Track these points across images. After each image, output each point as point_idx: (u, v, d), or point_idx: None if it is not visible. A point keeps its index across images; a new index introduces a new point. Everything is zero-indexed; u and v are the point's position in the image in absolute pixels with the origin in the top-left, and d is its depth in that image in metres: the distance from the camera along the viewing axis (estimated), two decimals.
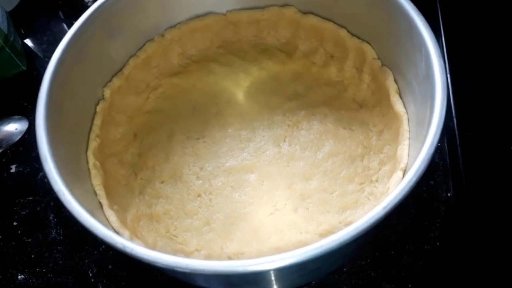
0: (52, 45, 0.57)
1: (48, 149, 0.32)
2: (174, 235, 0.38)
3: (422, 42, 0.34)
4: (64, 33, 0.57)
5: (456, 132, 0.42)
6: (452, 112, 0.43)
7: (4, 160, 0.48)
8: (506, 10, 0.42)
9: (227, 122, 0.45)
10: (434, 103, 0.31)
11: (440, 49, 0.33)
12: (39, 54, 0.57)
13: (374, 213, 0.27)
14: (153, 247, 0.37)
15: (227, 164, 0.42)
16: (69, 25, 0.59)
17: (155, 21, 0.45)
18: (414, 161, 0.32)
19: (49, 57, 0.55)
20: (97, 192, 0.37)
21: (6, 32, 0.50)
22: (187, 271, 0.26)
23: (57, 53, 0.36)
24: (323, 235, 0.37)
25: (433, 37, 0.33)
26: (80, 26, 0.38)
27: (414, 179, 0.28)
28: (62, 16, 0.60)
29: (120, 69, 0.44)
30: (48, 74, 0.35)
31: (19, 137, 0.48)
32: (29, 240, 0.42)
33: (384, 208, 0.27)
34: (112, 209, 0.37)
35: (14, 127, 0.48)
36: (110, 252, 0.41)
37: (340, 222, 0.37)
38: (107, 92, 0.42)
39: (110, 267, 0.40)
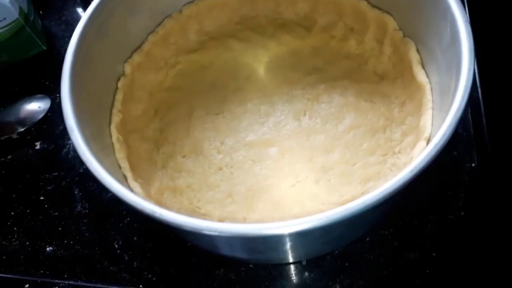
0: (71, 25, 0.58)
1: (75, 121, 0.32)
2: (197, 207, 0.39)
3: (447, 7, 0.33)
4: (81, 14, 0.58)
5: (481, 102, 0.41)
6: (476, 83, 0.42)
7: (29, 137, 0.49)
8: None
9: (246, 98, 0.45)
10: (460, 70, 0.30)
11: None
12: (58, 34, 0.57)
13: (401, 176, 0.27)
14: None
15: (247, 139, 0.42)
16: (86, 6, 0.59)
17: None
18: (439, 130, 0.32)
19: (68, 37, 0.55)
20: (122, 165, 0.38)
21: (26, 12, 0.51)
22: (215, 233, 0.26)
23: (79, 28, 0.37)
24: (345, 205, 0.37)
25: (459, 1, 0.33)
26: (100, 2, 0.38)
27: (442, 142, 0.27)
28: None
29: (140, 46, 0.44)
30: (71, 49, 0.36)
31: (42, 115, 0.49)
32: (56, 213, 0.43)
33: (411, 171, 0.27)
34: (137, 181, 0.37)
35: (37, 106, 0.49)
36: (135, 224, 0.41)
37: (362, 193, 0.37)
38: (127, 68, 0.42)
39: (135, 238, 0.41)
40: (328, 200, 0.37)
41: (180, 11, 0.46)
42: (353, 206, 0.26)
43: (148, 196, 0.37)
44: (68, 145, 0.47)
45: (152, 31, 0.45)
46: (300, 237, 0.30)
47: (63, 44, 0.56)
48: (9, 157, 0.48)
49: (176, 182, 0.40)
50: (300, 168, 0.40)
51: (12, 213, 0.44)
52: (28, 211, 0.44)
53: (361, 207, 0.26)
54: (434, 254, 0.36)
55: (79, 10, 0.59)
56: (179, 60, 0.47)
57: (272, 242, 0.31)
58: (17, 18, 0.49)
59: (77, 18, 0.58)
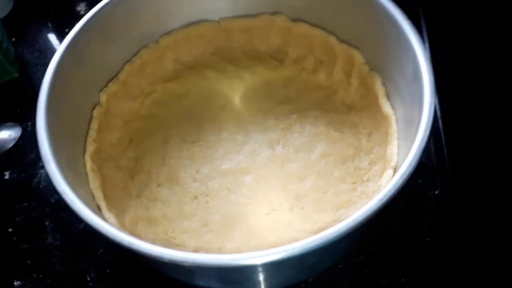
0: (44, 52, 0.57)
1: (50, 150, 0.32)
2: (172, 237, 0.39)
3: (408, 45, 0.36)
4: (55, 42, 0.58)
5: (442, 133, 0.44)
6: (437, 115, 0.45)
7: None
8: (487, 12, 0.45)
9: (222, 126, 0.46)
10: (422, 103, 0.33)
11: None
12: (31, 61, 0.56)
13: (371, 204, 0.28)
14: None
15: (223, 167, 0.43)
16: (60, 34, 0.59)
17: (150, 28, 0.46)
18: (404, 159, 0.34)
19: (41, 65, 0.56)
20: (96, 195, 0.37)
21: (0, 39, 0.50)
22: (193, 264, 0.26)
23: (56, 57, 0.37)
24: (318, 233, 0.38)
25: (420, 40, 0.35)
26: (78, 31, 0.39)
27: (408, 172, 0.29)
28: (53, 25, 0.61)
29: (116, 75, 0.44)
30: (47, 77, 0.36)
31: (12, 143, 0.48)
32: (25, 246, 0.42)
33: (380, 200, 0.28)
34: (111, 211, 0.37)
35: (8, 134, 0.48)
36: (109, 256, 0.41)
37: (334, 220, 0.39)
38: (103, 97, 0.43)
39: (108, 270, 0.40)
40: (302, 227, 0.38)
41: (157, 42, 0.47)
42: (326, 235, 0.27)
43: (122, 227, 0.37)
44: (39, 175, 0.46)
45: (129, 61, 0.45)
46: (275, 266, 0.31)
47: (36, 72, 0.55)
48: None
49: (151, 211, 0.40)
50: (275, 196, 0.41)
51: None
52: None
53: (334, 235, 0.27)
54: (402, 280, 0.38)
55: (53, 38, 0.59)
56: (155, 89, 0.47)
57: (247, 272, 0.31)
58: None
59: (51, 46, 0.58)
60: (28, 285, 0.40)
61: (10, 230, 0.43)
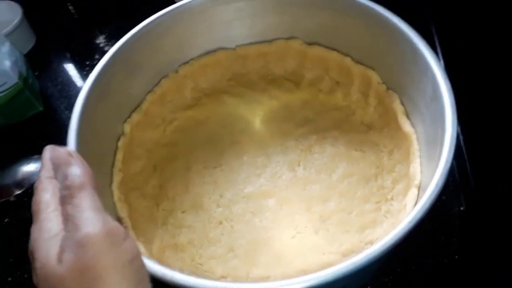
0: (67, 86, 0.59)
1: None
2: (199, 264, 0.39)
3: (427, 66, 0.36)
4: (76, 75, 0.60)
5: (464, 149, 0.43)
6: (457, 130, 0.45)
7: (26, 199, 0.48)
8: (499, 26, 0.45)
9: (242, 150, 0.46)
10: (444, 123, 0.33)
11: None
12: (54, 94, 0.59)
13: (401, 227, 0.28)
14: None
15: (245, 190, 0.43)
16: (82, 67, 0.61)
17: (170, 58, 0.47)
18: (428, 178, 0.34)
19: (64, 97, 0.58)
20: (124, 224, 0.38)
21: (25, 75, 0.52)
22: None
23: (82, 93, 0.38)
24: (346, 254, 0.38)
25: (437, 60, 0.36)
26: (103, 66, 0.40)
27: (435, 192, 0.29)
28: (74, 58, 0.63)
29: (138, 105, 0.46)
30: (76, 112, 0.37)
31: None
32: None
33: (410, 222, 0.28)
34: (138, 240, 0.38)
35: (35, 167, 0.49)
36: None
37: (360, 241, 0.39)
38: (127, 128, 0.44)
39: None
40: (328, 250, 0.38)
41: (176, 71, 0.48)
42: (359, 259, 0.27)
43: (150, 255, 0.37)
44: None
45: (150, 91, 0.47)
46: None
47: (59, 105, 0.57)
48: (6, 220, 0.48)
49: (177, 238, 0.41)
50: (299, 218, 0.41)
51: (9, 279, 0.43)
52: (25, 276, 0.43)
53: (366, 259, 0.27)
54: None
55: (74, 71, 0.61)
56: (175, 117, 0.49)
57: None
58: (17, 82, 0.51)
59: (72, 79, 0.60)
60: None
61: None
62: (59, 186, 0.27)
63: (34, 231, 0.26)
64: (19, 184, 0.48)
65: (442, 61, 0.50)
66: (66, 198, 0.25)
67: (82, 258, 0.23)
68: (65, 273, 0.23)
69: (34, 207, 0.27)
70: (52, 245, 0.24)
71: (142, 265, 0.25)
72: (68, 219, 0.25)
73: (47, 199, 0.27)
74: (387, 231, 0.38)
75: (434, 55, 0.36)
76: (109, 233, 0.24)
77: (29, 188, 0.48)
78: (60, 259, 0.24)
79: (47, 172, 0.30)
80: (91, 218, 0.24)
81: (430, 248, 0.40)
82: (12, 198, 0.48)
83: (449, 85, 0.35)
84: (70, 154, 0.28)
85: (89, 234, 0.23)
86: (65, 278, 0.23)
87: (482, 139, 0.45)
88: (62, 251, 0.24)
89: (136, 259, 0.25)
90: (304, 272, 0.37)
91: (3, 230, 0.47)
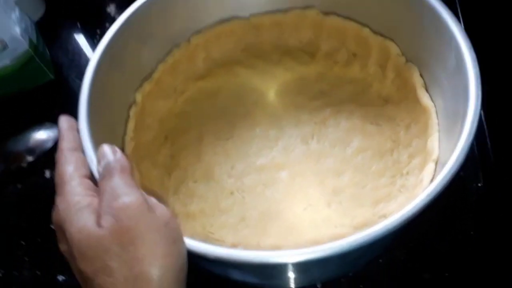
0: (77, 54, 0.59)
1: (93, 151, 0.33)
2: (210, 232, 0.39)
3: (450, 35, 0.35)
4: (87, 44, 0.59)
5: (484, 123, 0.42)
6: None
7: (38, 166, 0.49)
8: None
9: (255, 122, 0.46)
10: (468, 96, 0.32)
11: None
12: (65, 63, 0.58)
13: (419, 200, 0.27)
14: None
15: (257, 163, 0.43)
16: (92, 36, 0.60)
17: (183, 27, 0.46)
18: (446, 153, 0.33)
19: (75, 66, 0.57)
20: None
21: (35, 42, 0.52)
22: (240, 262, 0.26)
23: (93, 60, 0.38)
24: (358, 228, 0.38)
25: (462, 29, 0.34)
26: (114, 34, 0.39)
27: (456, 166, 0.28)
28: (84, 27, 0.62)
29: (150, 74, 0.45)
30: (87, 79, 0.36)
31: (51, 143, 0.49)
32: None
33: (429, 195, 0.27)
34: None
35: (46, 134, 0.49)
36: None
37: (374, 215, 0.38)
38: (138, 97, 0.43)
39: None
40: (341, 222, 0.38)
41: (188, 40, 0.47)
42: (375, 231, 0.26)
43: None
44: None
45: (162, 60, 0.46)
46: (316, 262, 0.31)
47: (70, 73, 0.57)
48: (19, 186, 0.48)
49: (188, 207, 0.41)
50: (311, 191, 0.41)
51: (23, 242, 0.44)
52: (39, 240, 0.44)
53: (382, 231, 0.26)
54: (446, 274, 0.37)
55: (84, 40, 0.60)
56: (187, 87, 0.48)
57: (287, 268, 0.31)
58: (27, 49, 0.50)
59: (83, 48, 0.59)
60: (72, 281, 0.40)
61: (52, 227, 0.44)
62: (101, 170, 0.29)
63: (61, 203, 0.28)
64: (31, 151, 0.49)
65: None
66: (105, 176, 0.28)
67: (121, 221, 0.25)
68: (105, 233, 0.25)
69: (57, 179, 0.29)
70: (86, 214, 0.26)
71: (177, 227, 0.27)
72: (105, 192, 0.27)
73: (70, 172, 0.29)
74: (401, 206, 0.37)
75: (458, 24, 0.35)
76: (145, 201, 0.26)
77: (41, 155, 0.49)
78: (99, 224, 0.26)
79: (68, 143, 0.32)
80: (128, 190, 0.26)
81: (445, 223, 0.39)
82: (24, 165, 0.49)
83: (474, 55, 0.33)
84: (115, 149, 0.30)
85: (127, 202, 0.25)
86: (105, 238, 0.25)
87: (505, 114, 0.43)
88: (100, 216, 0.26)
89: (170, 222, 0.27)
90: (316, 243, 0.37)
91: (16, 196, 0.47)
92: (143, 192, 0.27)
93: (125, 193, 0.26)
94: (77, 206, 0.27)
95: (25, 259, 0.43)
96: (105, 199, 0.26)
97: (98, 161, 0.30)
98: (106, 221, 0.25)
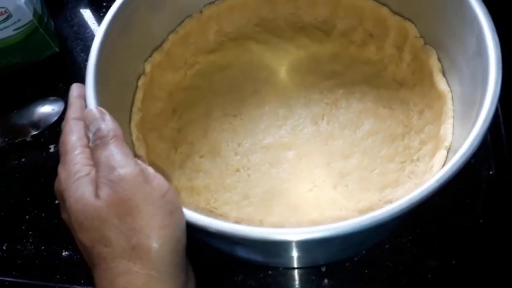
0: (83, 27, 0.57)
1: None
2: (214, 207, 0.39)
3: (473, 16, 0.33)
4: (92, 16, 0.58)
5: (499, 110, 0.41)
6: None
7: (42, 140, 0.48)
8: None
9: (264, 100, 0.45)
10: (487, 81, 0.30)
11: None
12: (70, 35, 0.57)
13: (427, 185, 0.27)
14: None
15: (264, 141, 0.42)
16: (98, 8, 0.59)
17: None
18: (459, 140, 0.32)
19: (80, 39, 0.56)
20: None
21: (40, 13, 0.50)
22: (239, 237, 0.26)
23: (103, 25, 0.37)
24: (363, 211, 0.37)
25: (486, 10, 0.33)
26: (124, 1, 0.38)
27: (468, 153, 0.27)
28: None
29: (160, 45, 0.44)
30: (95, 45, 0.36)
31: (56, 117, 0.48)
32: None
33: (437, 181, 0.27)
34: None
35: (51, 108, 0.49)
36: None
37: (380, 200, 0.37)
38: (148, 67, 0.42)
39: None
40: (345, 205, 0.38)
41: (201, 12, 0.46)
42: (379, 214, 0.26)
43: None
44: None
45: (173, 31, 0.45)
46: (318, 243, 0.30)
47: (75, 46, 0.55)
48: (22, 160, 0.48)
49: (193, 182, 0.40)
50: (318, 172, 0.40)
51: (27, 217, 0.44)
52: (43, 214, 0.44)
53: (387, 215, 0.26)
54: (453, 262, 0.36)
55: (90, 12, 0.59)
56: (197, 60, 0.47)
57: (290, 247, 0.31)
58: (31, 20, 0.49)
59: (88, 20, 0.58)
60: (76, 256, 0.41)
61: (56, 202, 0.44)
62: (91, 137, 0.29)
63: (62, 172, 0.29)
64: (35, 124, 0.48)
65: None
66: (98, 146, 0.28)
67: (119, 192, 0.25)
68: (102, 205, 0.25)
69: (61, 148, 0.29)
70: (84, 183, 0.27)
71: (174, 198, 0.27)
72: (100, 162, 0.27)
73: (73, 141, 0.29)
74: (408, 192, 0.36)
75: (482, 4, 0.33)
76: (142, 172, 0.26)
77: (45, 129, 0.48)
78: (97, 195, 0.26)
79: (74, 112, 0.32)
80: (124, 161, 0.26)
81: (453, 210, 0.38)
82: (28, 139, 0.48)
83: (496, 39, 0.32)
84: (102, 112, 0.30)
85: (124, 173, 0.26)
86: (102, 209, 0.25)
87: None
88: (97, 187, 0.26)
89: (167, 193, 0.27)
90: (319, 225, 0.36)
91: (20, 170, 0.47)
92: (140, 162, 0.27)
93: (120, 165, 0.26)
94: (77, 175, 0.27)
95: (29, 233, 0.43)
96: (101, 170, 0.26)
97: (87, 126, 0.29)
98: (103, 192, 0.25)
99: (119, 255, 0.24)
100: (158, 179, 0.27)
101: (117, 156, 0.27)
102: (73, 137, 0.30)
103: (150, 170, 0.27)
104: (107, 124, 0.29)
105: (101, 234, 0.25)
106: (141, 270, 0.24)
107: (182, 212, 0.27)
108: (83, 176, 0.27)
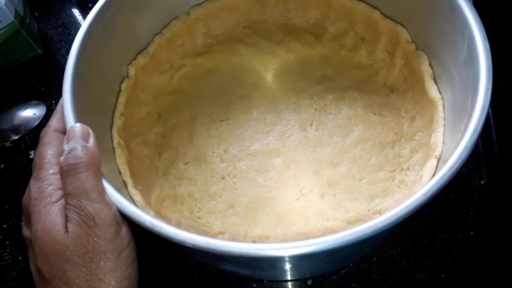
0: (67, 28, 0.56)
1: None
2: (198, 217, 0.38)
3: (465, 23, 0.32)
4: (78, 17, 0.57)
5: (491, 118, 0.40)
6: None
7: (23, 145, 0.47)
8: None
9: (252, 105, 0.44)
10: (477, 89, 0.29)
11: None
12: (55, 37, 0.55)
13: (414, 199, 0.25)
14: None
15: (251, 147, 0.41)
16: (84, 9, 0.57)
17: None
18: (449, 149, 0.31)
19: (65, 41, 0.55)
20: (122, 171, 0.37)
21: (22, 14, 0.49)
22: (216, 252, 0.25)
23: (84, 27, 0.35)
24: (351, 222, 0.36)
25: (478, 18, 0.32)
26: (107, 1, 0.37)
27: (457, 165, 0.26)
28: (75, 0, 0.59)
29: (145, 47, 0.43)
30: (74, 48, 0.34)
31: (37, 122, 0.47)
32: None
33: (425, 194, 0.25)
34: (137, 188, 0.36)
35: (32, 112, 0.47)
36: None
37: (368, 210, 0.36)
38: (131, 70, 0.41)
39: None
40: (333, 216, 0.36)
41: (188, 13, 0.45)
42: (363, 229, 0.25)
43: (148, 204, 0.36)
44: None
45: (159, 33, 0.43)
46: (303, 257, 0.29)
47: (60, 48, 0.54)
48: (1, 166, 0.46)
49: (177, 189, 0.39)
50: (305, 180, 0.39)
51: (5, 225, 0.43)
52: (21, 223, 0.42)
53: (371, 230, 0.25)
54: (443, 275, 0.35)
55: (76, 13, 0.58)
56: (184, 63, 0.46)
57: (274, 261, 0.30)
58: (13, 21, 0.47)
59: (74, 21, 0.57)
60: None
61: None
62: (64, 153, 0.27)
63: (33, 188, 0.28)
64: (15, 129, 0.47)
65: None
66: (71, 170, 0.26)
67: (89, 236, 0.25)
68: (70, 244, 0.25)
69: (36, 159, 0.29)
70: (54, 213, 0.26)
71: (135, 248, 0.28)
72: (72, 192, 0.26)
73: (49, 157, 0.28)
74: (398, 202, 0.35)
75: (474, 12, 0.32)
76: (115, 218, 0.26)
77: (26, 134, 0.47)
78: (66, 229, 0.25)
79: (57, 122, 0.30)
80: (97, 201, 0.26)
81: (444, 221, 0.37)
82: (8, 144, 0.47)
83: (487, 46, 0.31)
84: (88, 131, 0.29)
85: (97, 217, 0.25)
86: (69, 248, 0.25)
87: None
88: (67, 220, 0.26)
89: (131, 243, 0.27)
90: (305, 236, 0.35)
91: None
92: (111, 202, 0.26)
93: (91, 201, 0.25)
94: (48, 200, 0.26)
95: (6, 243, 0.42)
96: (71, 202, 0.26)
97: (67, 139, 0.28)
98: (73, 229, 0.25)
99: None
100: (125, 228, 0.27)
101: (89, 189, 0.26)
102: (50, 151, 0.29)
103: (119, 216, 0.27)
104: (88, 147, 0.27)
105: (63, 272, 0.25)
106: None
107: (136, 263, 0.28)
108: (54, 202, 0.26)
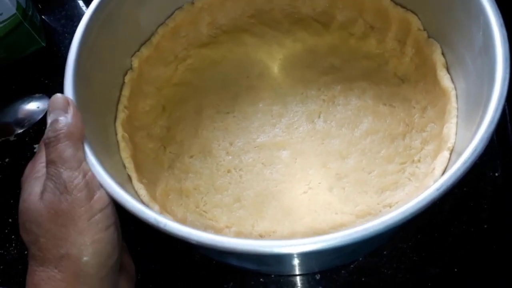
0: (71, 20, 0.55)
1: None
2: (204, 211, 0.37)
3: (480, 10, 0.31)
4: (82, 8, 0.56)
5: (507, 109, 0.38)
6: None
7: (27, 139, 0.47)
8: None
9: (258, 96, 0.43)
10: (494, 79, 0.28)
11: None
12: (58, 29, 0.54)
13: (426, 195, 0.25)
14: (182, 222, 0.36)
15: (258, 140, 0.40)
16: (87, 0, 0.57)
17: None
18: (463, 141, 0.30)
19: (69, 33, 0.54)
20: (126, 165, 0.36)
21: (24, 6, 0.48)
22: (222, 249, 0.24)
23: (85, 18, 0.35)
24: (360, 216, 0.35)
25: (494, 3, 0.30)
26: None
27: (472, 158, 0.25)
28: None
29: (149, 38, 0.42)
30: (76, 40, 0.33)
31: (41, 115, 0.46)
32: None
33: (438, 189, 0.25)
34: (142, 182, 0.36)
35: (36, 106, 0.47)
36: (140, 234, 0.39)
37: (378, 204, 0.35)
38: (135, 62, 0.40)
39: (139, 249, 0.39)
40: (341, 209, 0.36)
41: (192, 3, 0.44)
42: (373, 226, 0.24)
43: (153, 198, 0.35)
44: None
45: (162, 23, 0.42)
46: (311, 254, 0.28)
47: (63, 40, 0.53)
48: (6, 160, 0.46)
49: (182, 183, 0.39)
50: (313, 173, 0.38)
51: (10, 220, 0.43)
52: None
53: (381, 227, 0.24)
54: (456, 270, 0.34)
55: (81, 3, 0.57)
56: (189, 54, 0.45)
57: (281, 258, 0.29)
58: (15, 13, 0.46)
59: (78, 13, 0.56)
60: None
61: None
62: (47, 127, 0.28)
63: (28, 167, 0.30)
64: (19, 123, 0.46)
65: None
66: (51, 141, 0.27)
67: (61, 202, 0.26)
68: (43, 210, 0.26)
69: (40, 144, 0.30)
70: (36, 183, 0.27)
71: (112, 213, 0.28)
72: (49, 161, 0.27)
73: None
74: (409, 196, 0.35)
75: None
76: (86, 185, 0.26)
77: (30, 128, 0.46)
78: (41, 197, 0.26)
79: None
80: (72, 169, 0.26)
81: (456, 215, 0.36)
82: (12, 138, 0.46)
83: (505, 34, 0.29)
84: (67, 102, 0.29)
85: (69, 182, 0.26)
86: (41, 214, 0.26)
87: None
88: (44, 190, 0.27)
89: (106, 208, 0.27)
90: (313, 230, 0.35)
91: (3, 171, 0.45)
92: (87, 168, 0.27)
93: (69, 170, 0.26)
94: (35, 175, 0.28)
95: (12, 237, 0.42)
96: (49, 171, 0.27)
97: (48, 111, 0.29)
98: (47, 196, 0.26)
99: (47, 261, 0.25)
100: (100, 193, 0.27)
101: (66, 160, 0.26)
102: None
103: (96, 181, 0.27)
104: (67, 117, 0.28)
105: (35, 238, 0.26)
106: (64, 279, 0.25)
107: (117, 228, 0.28)
108: (39, 176, 0.27)
